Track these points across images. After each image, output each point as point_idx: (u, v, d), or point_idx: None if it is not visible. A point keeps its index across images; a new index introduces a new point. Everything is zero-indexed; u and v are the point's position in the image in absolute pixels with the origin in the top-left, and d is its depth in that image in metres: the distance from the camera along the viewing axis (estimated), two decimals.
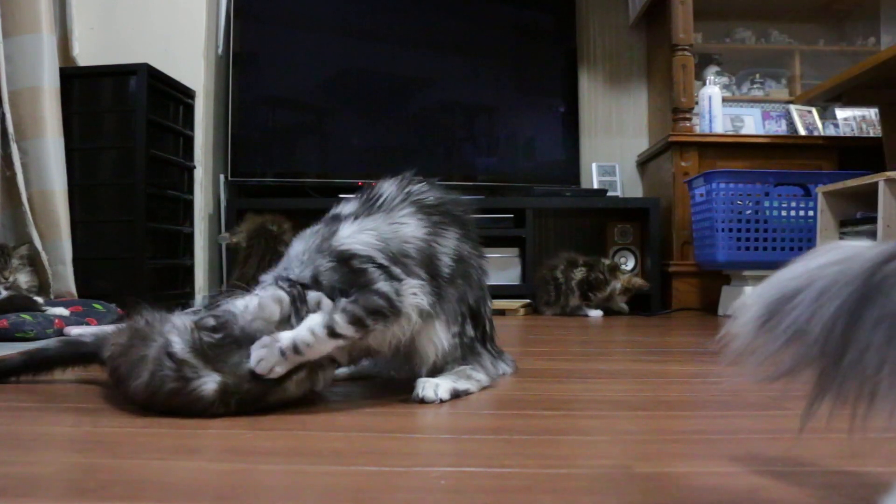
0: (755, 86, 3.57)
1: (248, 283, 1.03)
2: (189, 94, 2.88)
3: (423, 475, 0.70)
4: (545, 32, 3.55)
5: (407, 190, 1.11)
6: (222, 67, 3.17)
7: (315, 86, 3.32)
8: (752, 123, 3.44)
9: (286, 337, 0.93)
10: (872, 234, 2.12)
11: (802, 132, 3.41)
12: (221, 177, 3.15)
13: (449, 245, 1.10)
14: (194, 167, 2.93)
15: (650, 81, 3.62)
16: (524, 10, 3.49)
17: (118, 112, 2.57)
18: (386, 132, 3.37)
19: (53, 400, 1.06)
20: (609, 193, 3.35)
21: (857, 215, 2.31)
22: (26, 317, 1.86)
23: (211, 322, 0.95)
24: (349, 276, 0.99)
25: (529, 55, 3.51)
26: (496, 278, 3.05)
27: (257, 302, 0.95)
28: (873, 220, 2.10)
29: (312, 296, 0.98)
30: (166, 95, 2.71)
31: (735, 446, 0.84)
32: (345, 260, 1.00)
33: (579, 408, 1.06)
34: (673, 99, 3.12)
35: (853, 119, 3.51)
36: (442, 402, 1.04)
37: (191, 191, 2.91)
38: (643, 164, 3.58)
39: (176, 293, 2.76)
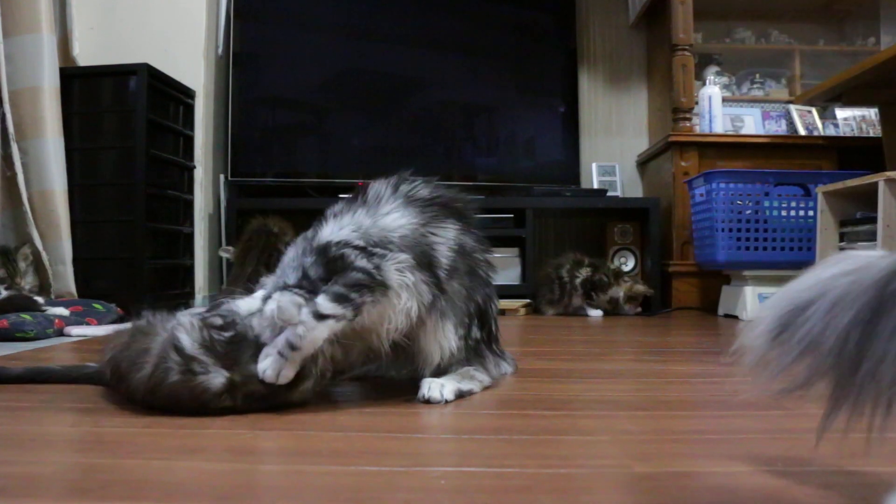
0: (755, 86, 3.57)
1: (247, 281, 1.03)
2: (189, 93, 2.89)
3: (423, 475, 0.70)
4: (545, 32, 3.55)
5: (397, 186, 1.10)
6: (222, 67, 3.17)
7: (315, 86, 3.32)
8: (752, 123, 3.44)
9: (280, 339, 0.93)
10: (872, 234, 2.12)
11: (802, 132, 3.41)
12: (221, 177, 3.15)
13: (447, 236, 1.08)
14: (194, 167, 2.93)
15: (650, 81, 3.62)
16: (524, 10, 3.49)
17: (118, 112, 2.57)
18: (386, 132, 3.37)
19: (53, 400, 1.06)
20: (609, 193, 3.35)
21: (857, 215, 2.31)
22: (26, 317, 1.86)
23: (218, 321, 0.96)
24: (329, 264, 0.98)
25: (529, 55, 3.51)
26: (496, 278, 3.04)
27: (275, 305, 0.94)
28: (873, 220, 2.10)
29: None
30: (166, 95, 2.71)
31: (735, 446, 0.84)
32: (322, 251, 0.99)
33: (580, 408, 1.06)
34: (673, 99, 3.12)
35: (853, 119, 3.51)
36: (447, 402, 1.04)
37: (191, 191, 2.91)
38: (643, 164, 3.58)
39: (176, 293, 2.76)
